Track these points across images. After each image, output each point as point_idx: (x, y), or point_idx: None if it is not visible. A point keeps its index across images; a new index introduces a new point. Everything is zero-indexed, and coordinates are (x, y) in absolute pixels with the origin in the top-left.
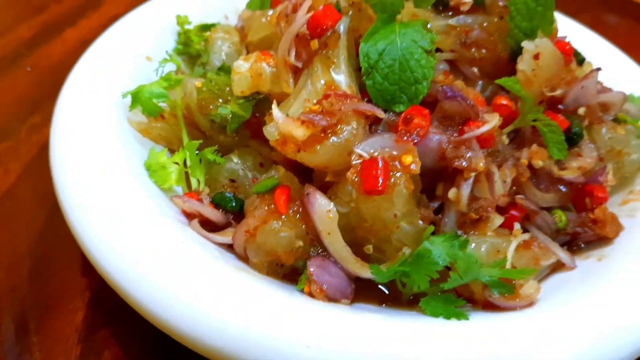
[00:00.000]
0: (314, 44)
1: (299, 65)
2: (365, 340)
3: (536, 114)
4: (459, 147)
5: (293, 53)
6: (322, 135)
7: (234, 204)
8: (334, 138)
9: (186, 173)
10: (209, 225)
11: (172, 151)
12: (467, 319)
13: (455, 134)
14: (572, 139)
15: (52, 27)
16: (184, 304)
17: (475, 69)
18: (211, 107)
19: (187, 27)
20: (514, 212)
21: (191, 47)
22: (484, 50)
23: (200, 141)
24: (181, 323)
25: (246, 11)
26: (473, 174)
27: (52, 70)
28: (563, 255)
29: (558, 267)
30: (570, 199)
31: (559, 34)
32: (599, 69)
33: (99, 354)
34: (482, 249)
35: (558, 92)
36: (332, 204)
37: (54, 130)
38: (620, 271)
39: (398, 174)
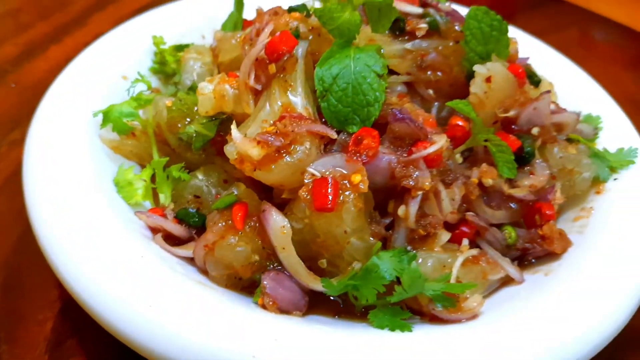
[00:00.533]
0: (272, 67)
1: (258, 87)
2: (308, 349)
3: (487, 134)
4: (408, 166)
5: (253, 76)
6: (277, 154)
7: (196, 219)
8: (287, 157)
9: (154, 189)
10: (173, 240)
11: (143, 167)
12: (411, 330)
13: (404, 154)
14: (524, 158)
15: (38, 45)
16: (140, 315)
17: (431, 91)
18: (179, 125)
19: (162, 47)
20: (464, 229)
21: (167, 67)
22: (439, 73)
23: (167, 158)
24: (136, 334)
25: (219, 32)
26: (420, 193)
27: (35, 87)
28: (511, 270)
29: (508, 281)
30: (521, 215)
31: (524, 55)
32: (548, 92)
33: None
34: (429, 264)
35: (511, 113)
36: (286, 220)
37: (28, 147)
38: (564, 286)
39: (347, 193)
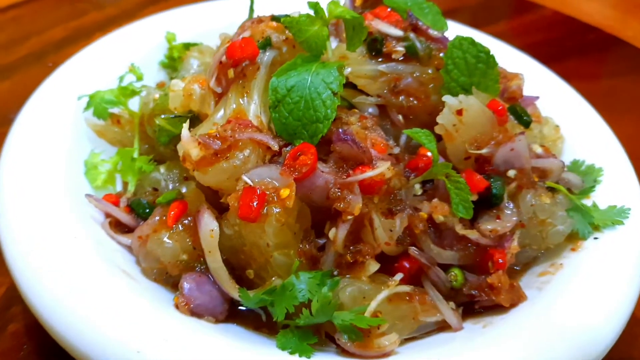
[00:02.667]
0: (230, 72)
1: (218, 90)
2: (192, 354)
3: (446, 169)
4: (343, 189)
5: (214, 78)
6: (214, 157)
7: (146, 211)
8: (224, 163)
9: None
10: (125, 227)
11: None
12: (309, 357)
13: (344, 176)
14: (491, 201)
15: (84, 32)
16: (49, 292)
17: (400, 117)
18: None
19: (174, 43)
20: (405, 263)
21: (176, 62)
22: (412, 99)
23: (135, 149)
24: (42, 308)
25: (223, 34)
26: (350, 217)
27: None
28: (449, 315)
29: (446, 326)
30: (473, 259)
31: (534, 94)
32: (523, 133)
33: (4, 327)
34: (347, 292)
35: (485, 151)
36: (216, 224)
37: (17, 122)
38: (494, 342)
39: (274, 206)
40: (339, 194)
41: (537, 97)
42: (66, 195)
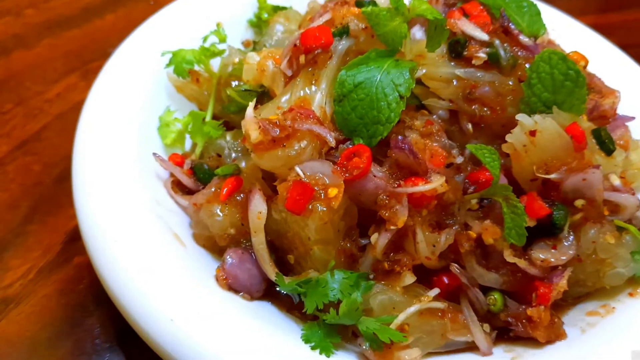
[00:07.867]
0: (302, 58)
1: (288, 72)
2: (219, 330)
3: (506, 191)
4: (391, 198)
5: (286, 60)
6: (271, 144)
7: (205, 176)
8: (279, 151)
9: None
10: (186, 188)
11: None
12: (329, 355)
13: (396, 184)
14: (550, 230)
15: None
16: (103, 239)
17: (470, 125)
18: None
19: (265, 3)
20: (444, 278)
21: (263, 24)
22: (486, 109)
23: (205, 113)
24: (94, 252)
25: (312, 1)
26: (393, 227)
27: None
28: (480, 338)
29: (477, 348)
30: (518, 286)
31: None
32: (598, 166)
33: (71, 257)
34: (377, 300)
35: (553, 176)
36: (265, 206)
37: (104, 70)
38: None
39: (319, 204)
40: (387, 201)
41: (633, 118)
42: (138, 148)
